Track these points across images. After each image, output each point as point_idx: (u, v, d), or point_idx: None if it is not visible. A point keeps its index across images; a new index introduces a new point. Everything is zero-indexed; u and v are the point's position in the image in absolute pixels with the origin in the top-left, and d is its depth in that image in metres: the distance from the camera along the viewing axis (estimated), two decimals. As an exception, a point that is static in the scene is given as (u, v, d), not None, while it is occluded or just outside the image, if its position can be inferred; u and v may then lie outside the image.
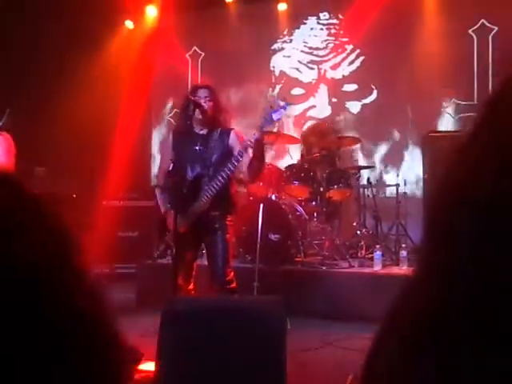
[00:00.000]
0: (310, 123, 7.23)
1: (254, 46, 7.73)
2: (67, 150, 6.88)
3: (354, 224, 6.19)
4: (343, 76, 7.55)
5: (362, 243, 5.87)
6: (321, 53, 7.68)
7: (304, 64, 7.76)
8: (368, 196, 6.27)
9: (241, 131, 3.92)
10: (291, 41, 7.87)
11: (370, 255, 5.56)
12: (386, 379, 0.40)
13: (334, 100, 7.57)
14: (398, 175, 6.49)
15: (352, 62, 7.48)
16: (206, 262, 3.84)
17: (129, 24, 8.22)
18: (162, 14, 8.11)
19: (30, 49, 6.98)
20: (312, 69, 7.72)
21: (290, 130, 7.45)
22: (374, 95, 7.33)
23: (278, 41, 7.90)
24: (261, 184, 5.61)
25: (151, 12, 8.18)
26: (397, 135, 7.24)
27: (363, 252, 5.79)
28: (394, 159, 7.23)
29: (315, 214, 5.97)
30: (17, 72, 6.93)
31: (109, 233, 6.40)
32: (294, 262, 5.49)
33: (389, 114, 7.18)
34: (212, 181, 3.58)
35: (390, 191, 6.60)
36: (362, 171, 6.35)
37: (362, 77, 7.36)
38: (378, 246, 5.53)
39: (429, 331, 0.36)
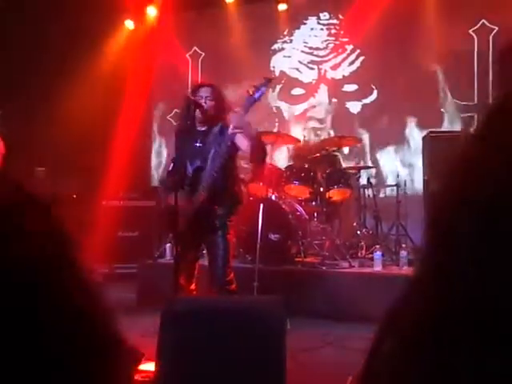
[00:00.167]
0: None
1: (255, 46, 7.72)
2: (67, 150, 6.88)
3: (354, 224, 6.19)
4: (343, 76, 7.55)
5: (362, 243, 5.87)
6: (321, 53, 7.69)
7: (304, 64, 7.77)
8: (368, 196, 6.27)
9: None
10: (291, 41, 7.87)
11: (370, 255, 5.56)
12: (386, 379, 0.40)
13: (334, 100, 7.57)
14: (398, 175, 6.49)
15: (352, 63, 7.48)
16: (206, 262, 3.83)
17: (129, 24, 8.22)
18: (162, 14, 8.11)
19: (30, 49, 6.98)
20: (312, 69, 7.72)
21: (290, 130, 7.46)
22: (375, 95, 7.34)
23: (279, 41, 7.91)
24: (261, 184, 5.62)
25: (151, 12, 8.19)
26: (397, 135, 7.24)
27: (363, 252, 5.79)
28: (394, 159, 7.23)
29: (315, 214, 5.97)
30: (17, 72, 6.93)
31: (109, 233, 6.40)
32: (294, 262, 5.49)
33: (389, 114, 7.18)
34: (209, 173, 3.57)
35: (390, 191, 6.60)
36: (362, 171, 6.36)
37: (362, 77, 7.36)
38: (378, 246, 5.53)
39: (429, 331, 0.36)
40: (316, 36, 7.74)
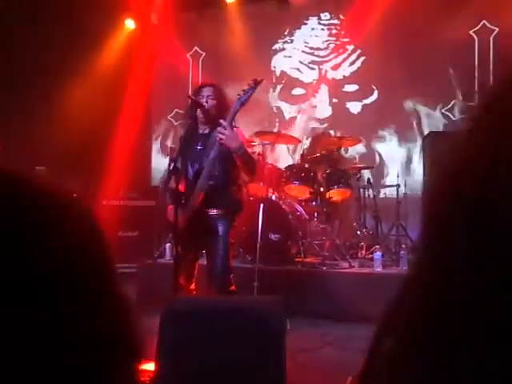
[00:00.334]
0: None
1: (255, 46, 7.72)
2: (67, 150, 6.88)
3: (354, 224, 6.19)
4: (344, 76, 7.55)
5: (362, 243, 5.87)
6: (322, 53, 7.69)
7: (305, 64, 7.77)
8: (368, 196, 6.27)
9: (241, 129, 3.90)
10: (292, 41, 7.87)
11: (370, 255, 5.56)
12: (386, 379, 0.40)
13: (335, 100, 7.57)
14: (398, 175, 6.48)
15: (353, 63, 7.48)
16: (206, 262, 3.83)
17: (130, 24, 8.22)
18: (163, 14, 8.11)
19: (31, 49, 6.98)
20: (313, 69, 7.72)
21: (290, 130, 7.46)
22: (375, 95, 7.33)
23: (279, 41, 7.90)
24: (261, 184, 5.62)
25: (152, 12, 8.18)
26: (397, 135, 7.24)
27: (363, 252, 5.79)
28: (394, 159, 7.23)
29: (315, 214, 5.97)
30: (17, 72, 6.93)
31: (109, 233, 6.37)
32: (294, 262, 5.49)
33: (389, 114, 7.18)
34: (209, 174, 3.57)
35: (390, 191, 6.60)
36: (362, 171, 6.36)
37: (362, 77, 7.36)
38: (378, 247, 5.53)
39: (428, 327, 0.36)
40: (317, 36, 7.74)
